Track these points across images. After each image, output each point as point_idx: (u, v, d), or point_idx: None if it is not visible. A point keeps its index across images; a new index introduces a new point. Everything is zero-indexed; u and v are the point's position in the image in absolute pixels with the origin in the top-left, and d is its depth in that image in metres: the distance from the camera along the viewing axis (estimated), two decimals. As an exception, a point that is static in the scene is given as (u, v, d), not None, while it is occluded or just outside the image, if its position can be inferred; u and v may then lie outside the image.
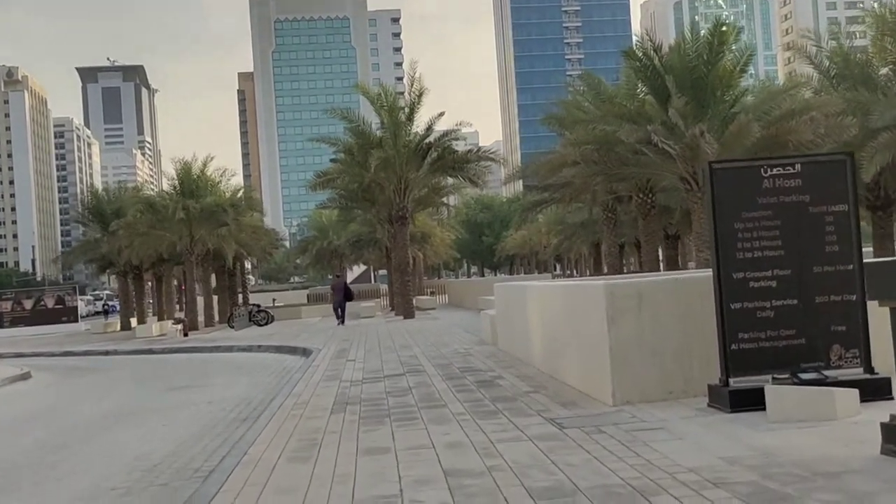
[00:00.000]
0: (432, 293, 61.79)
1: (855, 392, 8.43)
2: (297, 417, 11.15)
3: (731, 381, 9.25)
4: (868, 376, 9.25)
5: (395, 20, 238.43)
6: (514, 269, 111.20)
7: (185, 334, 37.04)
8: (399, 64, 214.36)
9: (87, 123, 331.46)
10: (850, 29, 30.11)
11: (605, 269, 43.28)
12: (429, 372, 15.14)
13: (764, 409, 8.72)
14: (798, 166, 9.43)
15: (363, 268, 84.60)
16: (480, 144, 36.56)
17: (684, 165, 22.21)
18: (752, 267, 9.29)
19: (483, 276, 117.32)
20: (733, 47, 23.59)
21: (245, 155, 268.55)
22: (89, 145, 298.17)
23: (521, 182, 44.43)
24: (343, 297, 36.22)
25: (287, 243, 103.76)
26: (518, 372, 14.02)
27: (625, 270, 46.26)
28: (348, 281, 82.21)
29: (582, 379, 11.33)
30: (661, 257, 55.95)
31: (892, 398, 9.05)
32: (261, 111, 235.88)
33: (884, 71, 25.27)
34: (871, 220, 26.76)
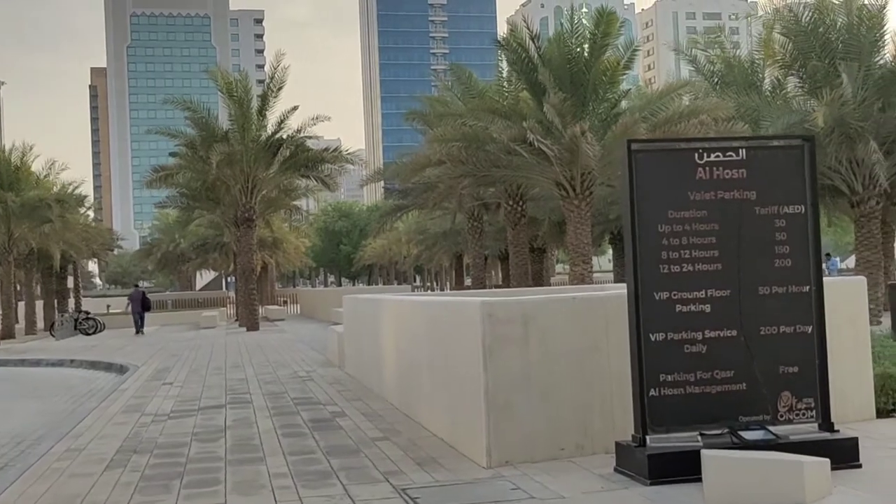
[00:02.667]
0: (284, 302, 58.49)
1: (826, 464, 6.05)
2: (58, 474, 8.13)
3: (650, 439, 6.78)
4: (828, 435, 6.93)
5: (259, 21, 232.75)
6: (373, 280, 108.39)
7: (-4, 343, 32.79)
8: (261, 66, 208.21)
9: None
10: (731, 36, 28.57)
11: (469, 283, 41.11)
12: (256, 404, 12.24)
13: (697, 480, 6.30)
14: (742, 152, 7.06)
15: (214, 274, 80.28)
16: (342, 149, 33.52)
17: (562, 169, 19.96)
18: (680, 285, 6.88)
19: (340, 285, 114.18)
20: (616, 42, 21.54)
21: (96, 153, 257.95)
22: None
23: (382, 191, 41.78)
24: (141, 307, 36.76)
25: (137, 245, 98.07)
26: (365, 407, 11.30)
27: (487, 284, 44.12)
28: (197, 287, 78.05)
29: (447, 426, 8.69)
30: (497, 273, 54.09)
31: (859, 465, 6.76)
32: (113, 108, 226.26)
33: (769, 77, 23.73)
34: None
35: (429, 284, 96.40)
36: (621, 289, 9.71)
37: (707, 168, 6.98)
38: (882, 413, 8.89)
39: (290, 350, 22.22)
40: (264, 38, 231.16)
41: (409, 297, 11.69)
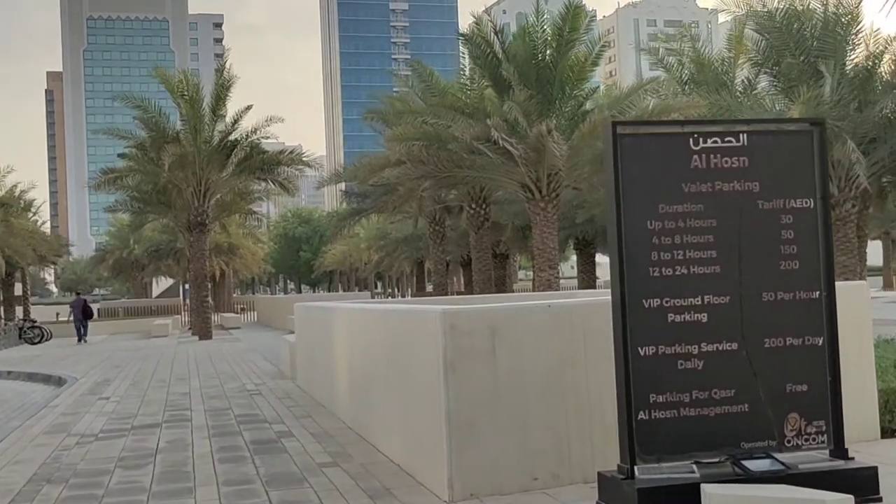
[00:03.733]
0: (242, 310, 57.11)
1: (850, 501, 5.11)
2: (-47, 511, 7.01)
3: (639, 469, 5.82)
4: (842, 464, 6.00)
5: (218, 25, 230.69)
6: (334, 287, 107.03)
7: (-66, 353, 31.21)
8: (220, 71, 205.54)
9: None
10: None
11: (430, 289, 40.18)
12: (195, 422, 11.15)
13: (696, 520, 5.36)
14: (743, 138, 6.12)
15: (171, 281, 78.61)
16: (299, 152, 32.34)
17: (527, 169, 19.03)
18: (673, 291, 5.93)
19: (300, 292, 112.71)
20: (584, 38, 20.64)
21: (52, 158, 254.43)
22: None
23: (343, 197, 40.63)
24: (82, 314, 36.03)
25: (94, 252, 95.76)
26: (315, 426, 10.25)
27: (449, 291, 43.14)
28: (154, 295, 76.32)
29: (404, 451, 7.68)
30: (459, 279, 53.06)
31: (879, 499, 5.83)
32: (69, 112, 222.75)
33: (740, 77, 22.99)
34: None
35: (390, 291, 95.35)
36: (600, 295, 8.74)
37: (703, 155, 6.03)
38: (887, 433, 8.02)
39: (242, 361, 21.09)
40: (223, 42, 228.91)
41: (362, 305, 10.67)
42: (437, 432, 6.58)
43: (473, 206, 25.01)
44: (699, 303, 5.95)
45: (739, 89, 22.75)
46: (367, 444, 8.78)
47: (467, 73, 24.24)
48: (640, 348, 5.86)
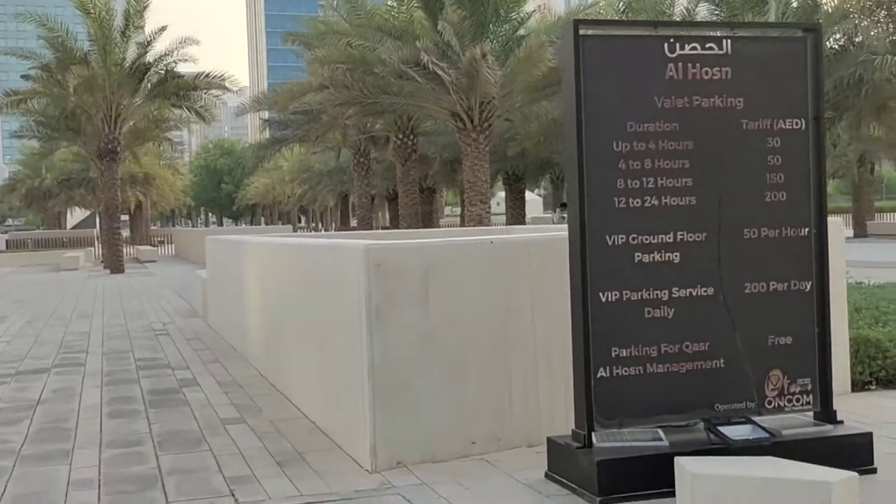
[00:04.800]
0: (161, 242, 55.25)
1: (855, 480, 4.25)
2: None
3: (598, 437, 4.91)
4: (830, 429, 5.18)
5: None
6: (256, 220, 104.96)
7: None
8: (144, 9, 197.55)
9: None
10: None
11: (355, 224, 39.11)
12: (89, 367, 10.00)
13: (667, 494, 4.51)
14: (727, 45, 5.14)
15: (87, 212, 75.92)
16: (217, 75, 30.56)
17: (459, 97, 17.91)
18: (642, 225, 5.00)
19: (222, 225, 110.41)
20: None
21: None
22: None
23: (264, 126, 38.96)
24: None
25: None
26: (223, 374, 9.20)
27: (374, 226, 42.06)
28: (69, 226, 73.67)
29: (322, 408, 6.67)
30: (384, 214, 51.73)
31: (874, 470, 5.03)
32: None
33: (682, 4, 22.07)
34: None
35: (313, 225, 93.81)
36: (551, 231, 7.83)
37: (680, 64, 5.05)
38: (857, 385, 7.28)
39: (153, 296, 19.82)
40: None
41: (277, 238, 9.55)
42: (358, 390, 5.58)
43: (400, 136, 23.85)
44: (671, 240, 5.03)
45: (678, 19, 21.84)
46: (280, 397, 7.77)
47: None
48: (601, 293, 4.93)
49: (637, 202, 4.98)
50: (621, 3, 22.77)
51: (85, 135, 31.90)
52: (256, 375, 8.92)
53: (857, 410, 6.26)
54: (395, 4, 22.43)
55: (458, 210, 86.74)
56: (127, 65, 29.40)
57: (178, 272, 28.88)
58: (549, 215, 60.77)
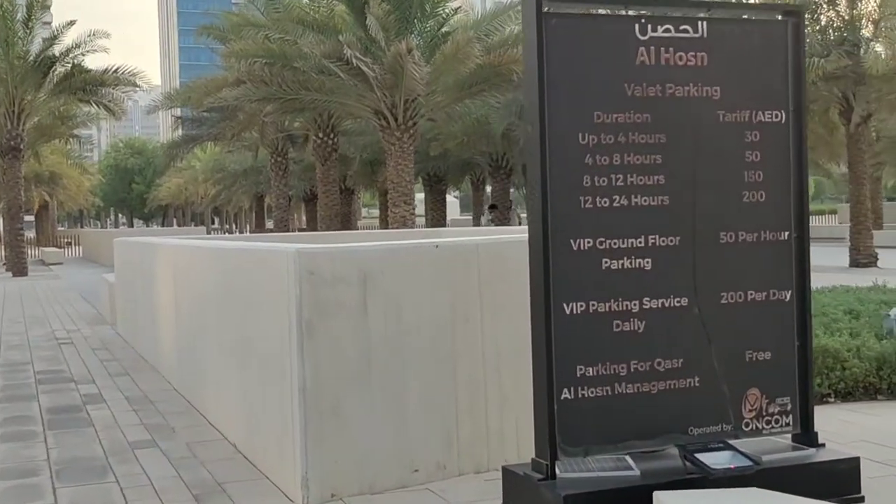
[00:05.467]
0: (68, 244, 53.31)
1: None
2: None
3: (561, 466, 4.35)
4: (813, 454, 4.70)
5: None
6: (168, 221, 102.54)
7: None
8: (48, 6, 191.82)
9: None
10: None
11: (271, 226, 38.13)
12: (-18, 382, 9.11)
13: (641, 537, 3.97)
14: (703, 27, 4.62)
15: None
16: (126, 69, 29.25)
17: (382, 94, 17.26)
18: (611, 229, 4.45)
19: (132, 226, 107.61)
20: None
21: None
22: None
23: (176, 123, 37.65)
24: None
25: None
26: (132, 388, 8.42)
27: (291, 228, 41.10)
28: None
29: (244, 430, 5.98)
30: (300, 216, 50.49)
31: (861, 498, 4.56)
32: None
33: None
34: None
35: (227, 227, 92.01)
36: (502, 233, 7.31)
37: (652, 48, 4.52)
38: (815, 398, 6.85)
39: (57, 301, 18.75)
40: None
41: (191, 241, 8.78)
42: (287, 414, 4.93)
43: (321, 135, 23.10)
44: (642, 244, 4.49)
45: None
46: (197, 415, 7.06)
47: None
48: (565, 304, 4.37)
49: (605, 202, 4.43)
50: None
51: (-14, 130, 30.29)
52: (170, 390, 8.18)
53: (820, 427, 5.81)
54: (314, -1, 21.75)
55: (374, 212, 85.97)
56: (31, 58, 28.02)
57: (85, 275, 27.64)
58: (466, 217, 60.38)
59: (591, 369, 4.40)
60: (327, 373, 4.82)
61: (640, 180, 4.49)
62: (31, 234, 52.78)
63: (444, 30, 18.64)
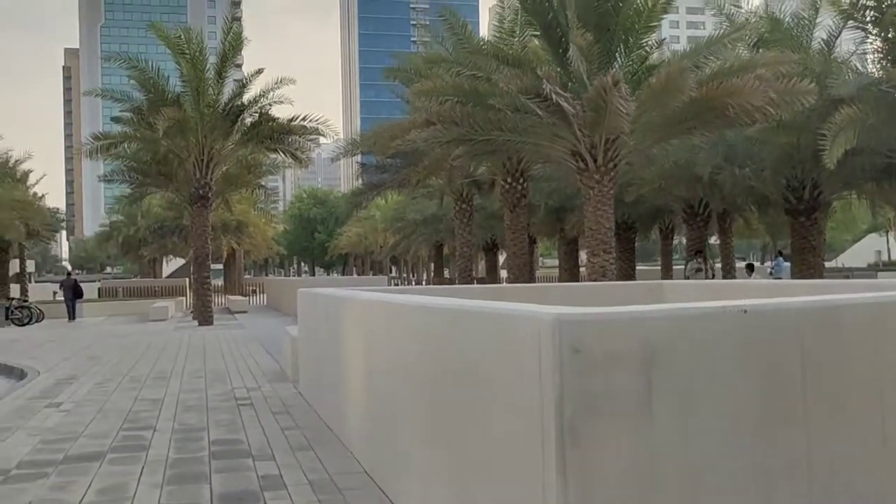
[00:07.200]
0: (253, 292, 54.17)
1: None
2: None
3: None
4: None
5: (236, 3, 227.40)
6: (348, 270, 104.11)
7: None
8: (228, 27, 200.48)
9: None
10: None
11: (447, 275, 37.16)
12: (153, 454, 8.06)
13: None
14: None
15: (182, 261, 75.74)
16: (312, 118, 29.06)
17: (582, 133, 15.80)
18: None
19: (314, 275, 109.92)
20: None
21: (68, 136, 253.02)
22: None
23: (360, 171, 37.36)
24: (73, 294, 35.77)
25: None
26: (316, 468, 7.15)
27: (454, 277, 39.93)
28: (165, 274, 73.50)
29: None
30: (477, 265, 49.48)
31: None
32: (85, 89, 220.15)
33: (827, 27, 19.71)
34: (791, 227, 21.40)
35: (405, 276, 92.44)
36: (824, 290, 5.64)
37: None
38: None
39: (239, 353, 18.05)
40: (242, 20, 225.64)
41: (387, 297, 7.45)
42: (537, 548, 3.44)
43: (509, 180, 21.85)
44: None
45: (818, 48, 19.46)
46: (394, 512, 5.68)
47: (505, 25, 21.06)
48: None
49: None
50: (762, 30, 20.47)
51: (177, 180, 30.68)
52: (360, 473, 6.86)
53: None
54: (503, 36, 20.61)
55: (548, 262, 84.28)
56: (220, 107, 28.11)
57: (268, 325, 27.26)
58: (643, 267, 57.74)
59: None
60: (597, 498, 3.31)
61: None
62: (219, 281, 53.96)
63: (647, 63, 17.09)
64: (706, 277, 23.53)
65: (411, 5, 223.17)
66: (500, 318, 3.97)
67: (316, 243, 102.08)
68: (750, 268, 29.38)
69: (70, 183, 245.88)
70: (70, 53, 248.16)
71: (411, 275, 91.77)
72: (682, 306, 3.73)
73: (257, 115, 28.46)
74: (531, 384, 3.47)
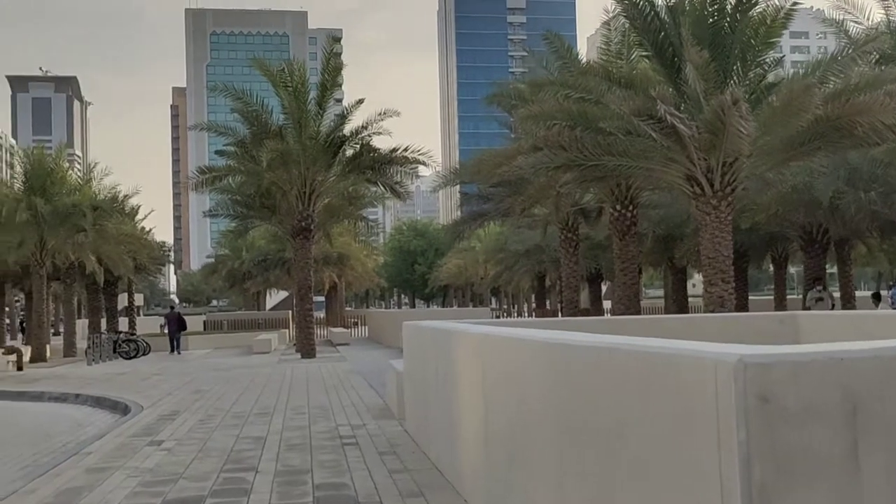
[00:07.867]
0: (355, 324, 54.15)
1: None
2: None
3: None
4: None
5: (337, 40, 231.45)
6: (448, 302, 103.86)
7: (19, 368, 28.79)
8: (339, 85, 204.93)
9: (14, 134, 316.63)
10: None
11: (558, 305, 36.39)
12: (255, 497, 7.60)
13: None
14: None
15: (286, 293, 76.51)
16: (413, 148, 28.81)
17: (698, 155, 14.99)
18: None
19: (414, 307, 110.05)
20: (769, -8, 16.45)
21: (176, 172, 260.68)
22: (12, 155, 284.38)
23: (461, 201, 36.97)
24: (177, 327, 36.08)
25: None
26: (429, 520, 6.56)
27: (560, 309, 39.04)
28: (267, 307, 74.31)
29: None
30: (580, 296, 48.78)
31: None
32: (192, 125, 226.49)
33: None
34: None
35: (505, 307, 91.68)
36: None
37: None
38: None
39: (343, 387, 17.66)
40: (342, 56, 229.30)
41: (506, 331, 6.82)
42: None
43: (618, 207, 21.10)
44: None
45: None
46: (519, 575, 5.04)
47: (612, 47, 20.40)
48: None
49: None
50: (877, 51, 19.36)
51: (279, 213, 30.73)
52: (476, 525, 6.25)
53: None
54: (610, 59, 19.96)
55: (650, 292, 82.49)
56: (322, 138, 28.06)
57: (370, 357, 26.92)
58: (754, 298, 55.83)
59: None
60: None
61: None
62: (321, 313, 54.13)
63: (765, 82, 16.21)
64: (828, 307, 22.30)
65: (509, 37, 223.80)
66: (660, 358, 3.32)
67: (416, 275, 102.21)
68: (876, 297, 27.94)
69: (178, 218, 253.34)
70: (177, 92, 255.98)
71: (512, 306, 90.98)
72: (888, 345, 3.04)
73: (358, 146, 28.31)
74: (706, 438, 2.83)
